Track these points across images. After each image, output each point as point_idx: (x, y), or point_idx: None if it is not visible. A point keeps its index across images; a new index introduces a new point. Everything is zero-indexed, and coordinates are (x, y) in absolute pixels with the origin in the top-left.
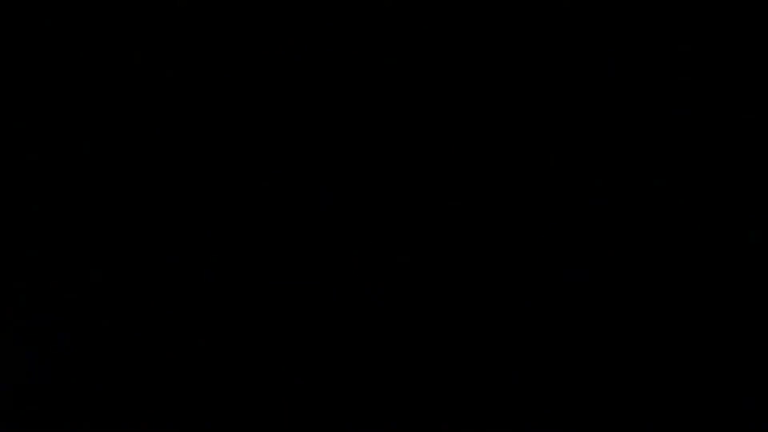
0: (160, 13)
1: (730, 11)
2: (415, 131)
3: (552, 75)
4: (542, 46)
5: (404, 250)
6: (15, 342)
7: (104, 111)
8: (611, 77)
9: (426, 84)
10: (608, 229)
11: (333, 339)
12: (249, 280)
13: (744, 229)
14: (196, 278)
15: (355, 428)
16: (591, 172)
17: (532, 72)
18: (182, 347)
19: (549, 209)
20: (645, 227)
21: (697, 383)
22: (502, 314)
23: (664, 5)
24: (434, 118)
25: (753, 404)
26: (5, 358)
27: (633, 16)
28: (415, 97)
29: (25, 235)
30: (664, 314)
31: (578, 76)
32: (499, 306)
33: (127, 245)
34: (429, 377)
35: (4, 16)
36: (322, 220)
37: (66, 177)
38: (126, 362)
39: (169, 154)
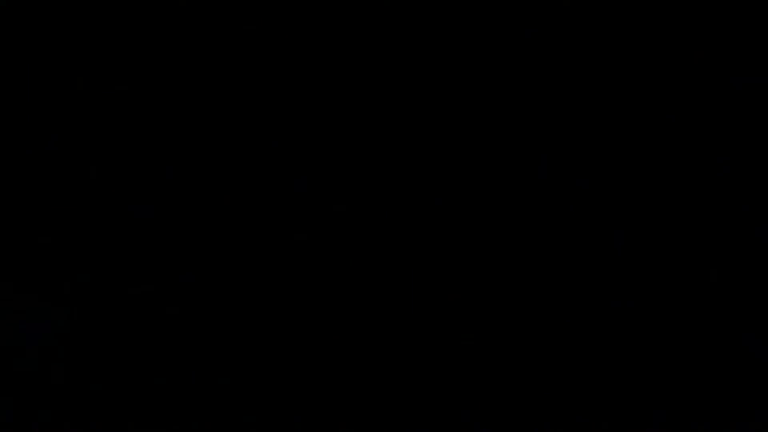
0: (160, 13)
1: (730, 11)
2: (414, 131)
3: (552, 75)
4: (542, 46)
5: (404, 250)
6: (15, 341)
7: (104, 111)
8: (611, 77)
9: (425, 84)
10: (608, 228)
11: (333, 339)
12: (249, 281)
13: (744, 229)
14: (196, 278)
15: (355, 428)
16: (591, 172)
17: (531, 72)
18: (182, 347)
19: (549, 209)
20: (645, 227)
21: (697, 383)
22: (502, 314)
23: (664, 5)
24: (434, 118)
25: (753, 404)
26: (6, 356)
27: (633, 16)
28: (415, 98)
29: (25, 234)
30: (665, 314)
31: (578, 76)
32: (499, 306)
33: (127, 245)
34: (429, 377)
35: (4, 16)
36: (322, 220)
37: (66, 177)
38: (126, 362)
39: (168, 154)
